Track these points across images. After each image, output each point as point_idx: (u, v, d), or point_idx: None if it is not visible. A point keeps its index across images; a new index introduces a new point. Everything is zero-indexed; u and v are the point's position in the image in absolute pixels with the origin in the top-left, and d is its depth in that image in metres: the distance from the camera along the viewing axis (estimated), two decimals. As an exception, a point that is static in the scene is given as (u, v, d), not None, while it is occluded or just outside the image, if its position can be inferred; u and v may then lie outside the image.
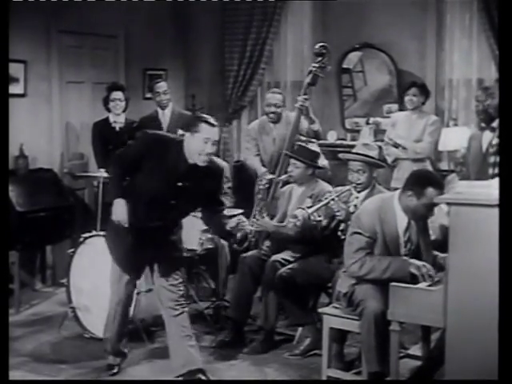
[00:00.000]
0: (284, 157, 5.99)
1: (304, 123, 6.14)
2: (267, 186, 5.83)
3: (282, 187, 5.73)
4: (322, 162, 6.01)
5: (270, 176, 5.86)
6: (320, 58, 6.10)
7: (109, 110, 6.53)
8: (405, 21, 7.51)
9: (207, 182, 4.48)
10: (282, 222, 5.49)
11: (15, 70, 6.67)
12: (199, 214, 5.58)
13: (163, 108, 6.88)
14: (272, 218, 5.57)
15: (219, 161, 4.74)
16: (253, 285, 5.37)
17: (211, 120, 4.39)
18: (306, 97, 6.06)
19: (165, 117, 6.87)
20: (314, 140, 5.92)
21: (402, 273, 4.20)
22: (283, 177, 5.71)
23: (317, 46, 6.22)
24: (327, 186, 5.43)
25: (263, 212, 5.67)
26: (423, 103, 6.54)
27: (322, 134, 6.30)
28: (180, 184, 4.40)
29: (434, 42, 7.38)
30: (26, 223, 6.22)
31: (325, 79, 8.00)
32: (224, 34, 8.24)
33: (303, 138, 5.97)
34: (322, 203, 4.91)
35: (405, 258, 4.29)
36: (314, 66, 6.13)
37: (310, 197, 5.34)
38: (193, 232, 5.53)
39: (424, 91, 6.48)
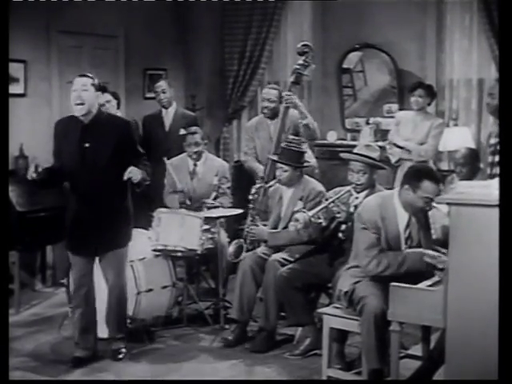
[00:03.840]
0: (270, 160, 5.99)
1: (294, 118, 6.15)
2: (256, 195, 5.80)
3: (269, 187, 5.73)
4: (311, 159, 6.04)
5: (259, 185, 5.85)
6: (303, 57, 6.12)
7: None
8: (405, 21, 7.51)
9: (114, 138, 4.75)
10: (276, 225, 5.49)
11: (15, 69, 6.66)
12: (200, 215, 5.60)
13: (165, 107, 6.89)
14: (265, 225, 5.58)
15: (123, 117, 5.01)
16: (254, 285, 5.36)
17: (82, 73, 4.95)
18: (289, 93, 6.08)
19: (168, 116, 6.89)
20: (303, 139, 5.92)
21: (419, 264, 4.21)
22: (272, 183, 5.71)
23: (299, 45, 6.24)
24: (317, 185, 5.43)
25: (256, 221, 5.65)
26: (428, 104, 6.55)
27: (316, 130, 6.25)
28: (87, 145, 4.72)
29: (434, 42, 7.38)
30: (26, 223, 6.22)
31: (325, 79, 8.07)
32: (224, 34, 8.24)
33: (290, 137, 5.97)
34: (322, 205, 4.90)
35: (418, 249, 4.30)
36: (297, 65, 6.15)
37: (300, 199, 5.34)
38: (193, 232, 5.53)
39: (430, 92, 6.50)
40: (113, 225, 4.87)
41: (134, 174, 4.70)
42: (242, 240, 5.68)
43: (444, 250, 4.24)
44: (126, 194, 4.96)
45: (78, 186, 4.85)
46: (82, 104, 4.71)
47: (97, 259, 5.01)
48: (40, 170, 4.73)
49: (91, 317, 5.05)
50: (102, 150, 4.73)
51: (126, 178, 4.69)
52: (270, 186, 5.71)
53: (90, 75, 4.86)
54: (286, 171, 5.40)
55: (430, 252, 4.24)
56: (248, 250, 5.60)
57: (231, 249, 5.66)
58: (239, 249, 5.65)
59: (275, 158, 5.61)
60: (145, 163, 4.89)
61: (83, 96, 4.69)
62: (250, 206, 5.72)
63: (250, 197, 5.76)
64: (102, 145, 4.74)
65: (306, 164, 5.51)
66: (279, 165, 5.45)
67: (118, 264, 5.00)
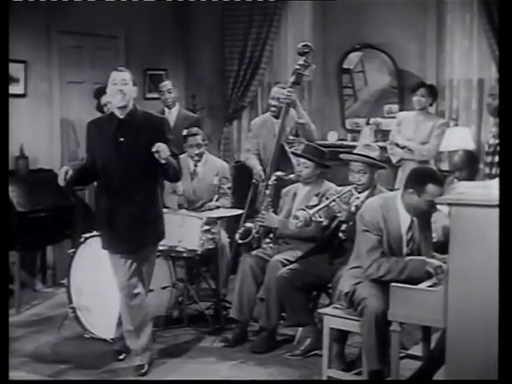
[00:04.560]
0: (275, 154, 5.98)
1: (292, 118, 6.14)
2: (276, 182, 5.80)
3: (284, 187, 5.72)
4: None
5: (280, 173, 5.84)
6: (303, 57, 6.11)
7: (105, 113, 6.52)
8: (405, 21, 7.50)
9: (148, 133, 4.70)
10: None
11: (15, 70, 6.66)
12: (200, 215, 5.61)
13: (169, 107, 6.90)
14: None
15: (158, 114, 5.00)
16: (254, 285, 5.37)
17: (119, 68, 4.92)
18: (290, 90, 6.07)
19: (171, 116, 6.88)
20: (302, 139, 5.92)
21: (419, 272, 4.21)
22: (292, 176, 5.70)
23: (299, 46, 6.23)
24: (333, 186, 5.42)
25: (269, 208, 5.66)
26: (431, 104, 6.55)
27: (313, 132, 6.23)
28: (122, 139, 4.69)
29: (435, 42, 7.37)
30: (27, 223, 6.22)
31: (325, 79, 8.07)
32: (224, 35, 8.23)
33: (290, 137, 5.96)
34: (323, 204, 4.89)
35: (421, 257, 4.30)
36: (298, 65, 6.14)
37: (316, 195, 5.34)
38: (193, 232, 5.53)
39: (432, 92, 6.51)
40: (147, 220, 4.79)
41: (162, 149, 4.57)
42: (251, 224, 5.69)
43: (440, 256, 4.24)
44: (157, 188, 4.92)
45: (111, 181, 4.77)
46: (124, 96, 4.70)
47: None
48: (70, 175, 4.62)
49: (145, 317, 4.90)
50: (137, 145, 4.69)
51: (153, 150, 4.55)
52: (290, 181, 5.69)
53: (127, 70, 4.86)
54: (307, 167, 5.41)
55: (434, 261, 4.24)
56: (255, 237, 5.61)
57: (240, 231, 5.68)
58: (247, 232, 5.66)
59: (299, 152, 5.60)
60: (176, 161, 4.80)
61: (124, 89, 4.70)
62: (267, 192, 5.72)
63: (270, 182, 5.76)
64: (137, 139, 4.70)
65: (327, 164, 5.51)
66: (301, 160, 5.45)
67: (150, 262, 4.91)
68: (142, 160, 4.67)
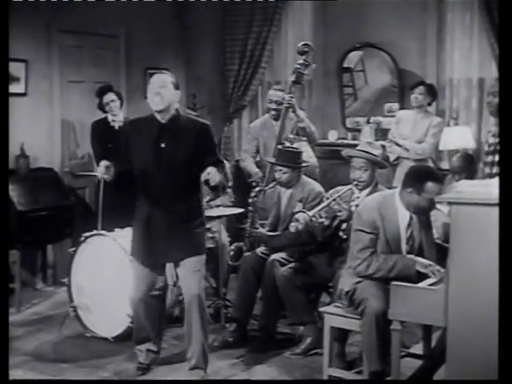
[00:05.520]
0: (275, 154, 5.98)
1: (292, 119, 6.15)
2: (256, 199, 5.76)
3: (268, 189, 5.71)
4: (312, 158, 6.02)
5: (258, 188, 5.81)
6: (303, 57, 6.11)
7: (107, 112, 6.52)
8: (406, 20, 7.50)
9: (192, 140, 4.48)
10: (275, 226, 5.48)
11: (16, 69, 6.66)
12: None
13: None
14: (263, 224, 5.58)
15: (201, 120, 4.79)
16: (255, 284, 5.36)
17: (161, 71, 4.72)
18: (291, 95, 6.07)
19: None
20: (303, 138, 5.92)
21: (409, 271, 4.21)
22: (271, 185, 5.69)
23: (299, 45, 6.23)
24: (316, 186, 5.42)
25: (256, 223, 5.63)
26: (429, 104, 6.55)
27: (314, 134, 6.23)
28: (163, 145, 4.47)
29: (435, 41, 7.37)
30: (27, 222, 6.23)
31: (325, 78, 8.07)
32: (225, 34, 8.23)
33: (291, 136, 5.95)
34: (323, 204, 4.89)
35: (411, 256, 4.30)
36: (298, 64, 6.14)
37: (300, 200, 5.32)
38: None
39: (431, 91, 6.51)
40: (189, 230, 4.54)
41: (212, 175, 4.32)
42: (241, 243, 5.67)
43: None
44: (200, 197, 4.69)
45: (150, 188, 4.51)
46: (162, 99, 4.44)
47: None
48: (112, 171, 4.44)
49: (160, 327, 4.92)
50: (179, 152, 4.45)
51: (203, 179, 4.37)
52: (270, 188, 5.70)
53: (169, 73, 4.62)
54: (285, 173, 5.39)
55: (423, 260, 4.24)
56: (248, 251, 5.60)
57: (231, 253, 5.66)
58: (238, 252, 5.64)
59: (273, 160, 5.59)
60: (222, 169, 4.52)
61: (162, 92, 4.44)
62: (250, 208, 5.70)
63: (250, 200, 5.73)
64: (180, 146, 4.45)
65: (304, 164, 5.50)
66: (278, 167, 5.44)
67: (198, 271, 4.59)
68: (184, 167, 4.45)
